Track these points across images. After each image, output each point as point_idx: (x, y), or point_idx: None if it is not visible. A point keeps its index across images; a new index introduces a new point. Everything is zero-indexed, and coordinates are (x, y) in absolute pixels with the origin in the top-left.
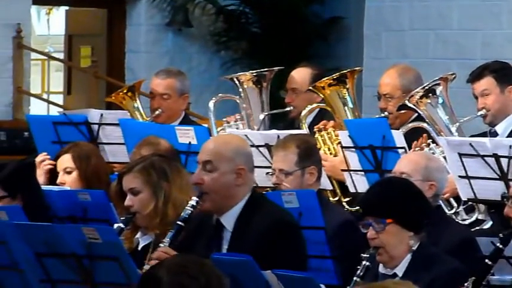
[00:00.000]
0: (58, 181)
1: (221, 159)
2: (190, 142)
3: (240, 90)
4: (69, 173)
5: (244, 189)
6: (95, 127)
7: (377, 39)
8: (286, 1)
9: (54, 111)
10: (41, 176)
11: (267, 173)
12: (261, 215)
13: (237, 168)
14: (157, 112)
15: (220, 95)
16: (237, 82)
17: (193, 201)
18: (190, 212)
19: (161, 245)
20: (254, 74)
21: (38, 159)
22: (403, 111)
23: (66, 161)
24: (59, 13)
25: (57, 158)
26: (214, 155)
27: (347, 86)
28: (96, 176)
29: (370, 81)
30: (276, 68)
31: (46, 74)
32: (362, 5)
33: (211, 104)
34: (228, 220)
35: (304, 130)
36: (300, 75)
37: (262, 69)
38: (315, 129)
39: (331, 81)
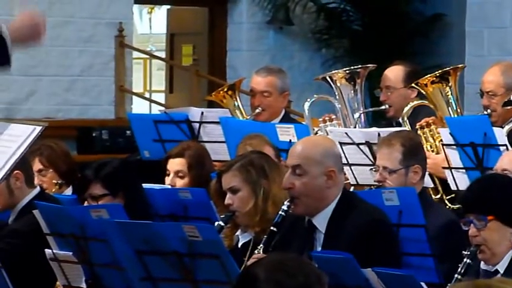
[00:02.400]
0: (168, 183)
1: (310, 162)
2: (290, 140)
3: (334, 89)
4: (182, 177)
5: (335, 190)
6: (196, 125)
7: (479, 36)
8: None
9: (157, 109)
10: None
11: (371, 169)
12: (353, 214)
13: (327, 170)
14: (257, 110)
15: (315, 96)
16: (329, 81)
17: (284, 205)
18: (282, 216)
19: (256, 251)
20: (347, 72)
21: None
22: (508, 107)
23: (179, 164)
24: (161, 12)
25: (167, 158)
26: (303, 158)
27: (450, 84)
28: (207, 180)
29: (472, 79)
30: (369, 65)
31: (148, 73)
32: (464, 1)
33: (306, 106)
34: (320, 221)
35: (406, 128)
36: (394, 73)
37: (355, 66)
38: (417, 126)
39: (434, 78)
